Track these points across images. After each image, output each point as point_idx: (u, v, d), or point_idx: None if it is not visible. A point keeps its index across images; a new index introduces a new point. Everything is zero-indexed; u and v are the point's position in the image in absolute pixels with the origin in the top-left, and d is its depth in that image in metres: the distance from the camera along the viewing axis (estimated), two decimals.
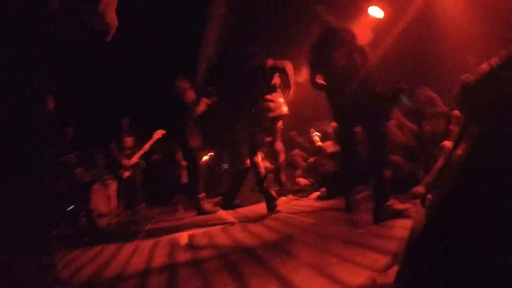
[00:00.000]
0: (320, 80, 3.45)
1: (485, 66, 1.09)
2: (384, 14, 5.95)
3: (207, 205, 4.91)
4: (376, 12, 5.97)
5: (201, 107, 4.97)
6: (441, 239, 0.97)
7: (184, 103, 4.88)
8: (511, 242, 0.79)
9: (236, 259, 2.10)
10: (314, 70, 3.45)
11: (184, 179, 7.86)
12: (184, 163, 7.00)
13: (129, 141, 6.24)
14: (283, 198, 5.55)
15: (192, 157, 4.95)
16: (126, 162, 6.16)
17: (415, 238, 1.07)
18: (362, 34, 5.86)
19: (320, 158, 5.43)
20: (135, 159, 6.20)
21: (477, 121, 1.07)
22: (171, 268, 2.15)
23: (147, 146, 6.30)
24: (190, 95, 4.96)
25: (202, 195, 4.88)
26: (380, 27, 6.12)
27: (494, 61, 1.09)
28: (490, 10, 4.35)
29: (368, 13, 6.11)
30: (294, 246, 2.18)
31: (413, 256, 1.05)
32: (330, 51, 3.29)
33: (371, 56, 3.26)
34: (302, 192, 5.70)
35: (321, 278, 1.48)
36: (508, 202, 0.83)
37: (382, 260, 1.56)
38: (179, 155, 7.07)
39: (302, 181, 5.86)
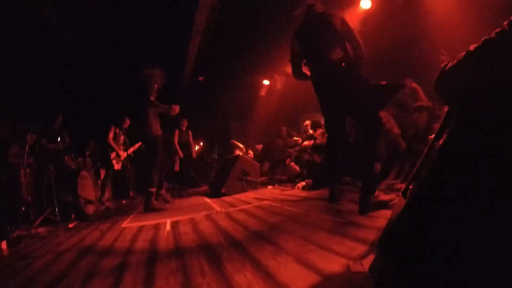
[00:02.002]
0: (305, 69, 3.40)
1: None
2: (372, 5, 5.96)
3: (156, 202, 4.59)
4: (365, 3, 5.99)
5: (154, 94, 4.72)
6: (414, 229, 0.97)
7: (143, 91, 4.65)
8: (486, 232, 0.80)
9: (215, 244, 2.12)
10: (298, 57, 3.38)
11: (177, 167, 7.96)
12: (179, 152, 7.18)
13: (122, 137, 6.53)
14: (269, 187, 5.61)
15: (151, 146, 4.67)
16: (122, 153, 6.38)
17: (390, 228, 1.09)
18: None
19: (307, 147, 5.46)
20: (129, 152, 6.35)
21: (455, 108, 1.07)
22: (151, 252, 2.19)
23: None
24: (152, 84, 4.67)
25: (154, 189, 4.55)
26: (368, 18, 6.14)
27: (472, 46, 1.09)
28: None
29: (358, 5, 6.12)
30: (275, 233, 2.20)
31: (387, 245, 1.06)
32: (315, 37, 3.21)
33: (361, 42, 3.14)
34: (289, 182, 5.77)
35: (297, 264, 1.51)
36: (483, 190, 0.84)
37: (360, 249, 1.59)
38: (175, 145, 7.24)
39: (294, 167, 5.95)
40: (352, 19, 6.48)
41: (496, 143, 0.83)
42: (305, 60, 3.39)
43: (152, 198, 4.46)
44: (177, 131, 7.64)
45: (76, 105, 7.10)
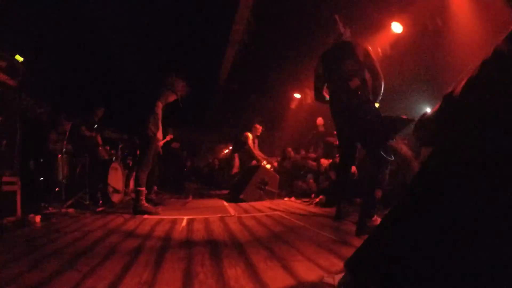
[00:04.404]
0: (325, 93, 3.62)
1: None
2: (403, 29, 6.08)
3: (146, 204, 4.26)
4: (396, 27, 6.12)
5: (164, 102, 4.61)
6: (381, 251, 1.16)
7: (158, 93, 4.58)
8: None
9: (219, 243, 2.41)
10: (321, 80, 3.61)
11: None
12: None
13: None
14: (286, 199, 5.83)
15: (144, 144, 4.46)
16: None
17: (358, 250, 1.23)
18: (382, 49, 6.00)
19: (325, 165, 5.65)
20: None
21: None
22: (165, 241, 2.51)
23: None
24: (169, 92, 4.59)
25: (143, 189, 4.28)
26: (399, 42, 6.27)
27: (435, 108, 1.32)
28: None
29: (390, 28, 6.26)
30: (274, 241, 2.45)
31: (353, 265, 1.24)
32: (338, 64, 3.44)
33: (380, 73, 3.36)
34: (307, 196, 5.95)
35: (281, 269, 1.75)
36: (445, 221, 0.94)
37: (340, 266, 1.78)
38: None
39: (312, 183, 6.14)
40: (383, 42, 6.65)
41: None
42: (326, 84, 3.62)
43: (141, 199, 4.18)
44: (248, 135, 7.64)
45: (114, 102, 7.61)
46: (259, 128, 7.71)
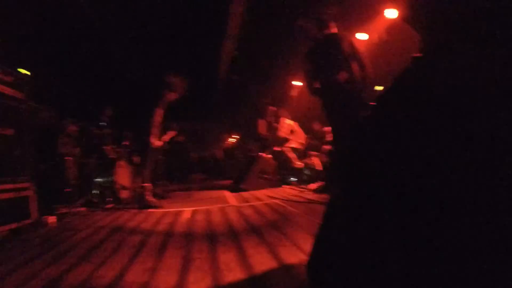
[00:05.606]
0: (317, 85, 3.78)
1: None
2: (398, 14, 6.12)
3: (151, 198, 4.53)
4: (390, 13, 6.15)
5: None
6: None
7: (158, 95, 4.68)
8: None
9: (217, 232, 2.68)
10: (311, 76, 3.76)
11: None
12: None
13: None
14: (285, 187, 6.06)
15: (145, 150, 4.65)
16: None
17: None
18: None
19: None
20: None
21: None
22: (168, 232, 2.79)
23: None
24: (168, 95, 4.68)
25: (149, 185, 4.54)
26: (394, 27, 6.32)
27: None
28: None
29: (383, 15, 6.31)
30: (267, 229, 2.69)
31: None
32: (325, 58, 3.59)
33: (367, 64, 3.52)
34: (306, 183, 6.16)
35: (268, 253, 1.97)
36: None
37: None
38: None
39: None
40: (377, 28, 6.72)
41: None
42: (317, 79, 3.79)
43: (147, 194, 4.46)
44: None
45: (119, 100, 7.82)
46: (273, 110, 7.70)
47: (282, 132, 7.15)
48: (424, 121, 0.90)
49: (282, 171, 6.63)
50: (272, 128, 7.52)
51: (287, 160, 6.73)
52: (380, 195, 0.92)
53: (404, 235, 0.84)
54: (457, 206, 0.78)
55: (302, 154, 6.88)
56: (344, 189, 1.15)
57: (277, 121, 7.44)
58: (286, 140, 7.02)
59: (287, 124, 7.18)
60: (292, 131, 7.15)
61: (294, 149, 6.87)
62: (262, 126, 7.69)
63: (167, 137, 5.47)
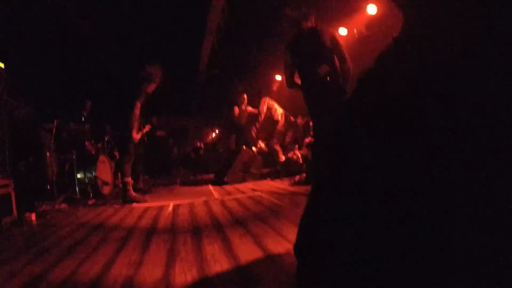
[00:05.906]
0: (297, 79, 3.83)
1: None
2: (378, 11, 6.25)
3: (134, 193, 4.49)
4: (371, 9, 6.28)
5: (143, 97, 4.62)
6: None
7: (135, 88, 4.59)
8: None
9: (202, 224, 2.69)
10: (290, 69, 3.80)
11: None
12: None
13: None
14: (268, 179, 6.12)
15: (123, 143, 4.60)
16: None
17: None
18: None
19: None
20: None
21: None
22: (153, 226, 2.78)
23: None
24: (146, 86, 4.57)
25: (129, 179, 4.46)
26: (374, 23, 6.45)
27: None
28: None
29: (365, 11, 6.43)
30: (251, 220, 2.72)
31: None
32: (306, 52, 3.63)
33: (348, 57, 3.58)
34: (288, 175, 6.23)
35: (253, 244, 2.00)
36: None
37: None
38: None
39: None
40: (358, 24, 6.84)
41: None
42: (296, 72, 3.83)
43: (129, 189, 4.38)
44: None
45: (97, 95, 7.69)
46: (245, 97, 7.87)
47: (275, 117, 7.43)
48: (406, 103, 0.88)
49: (267, 164, 6.70)
50: (245, 114, 7.72)
51: (273, 153, 6.80)
52: (362, 179, 0.92)
53: (384, 214, 0.84)
54: (434, 186, 0.78)
55: (281, 135, 7.01)
56: (328, 173, 1.11)
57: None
58: (277, 122, 7.14)
59: (268, 104, 7.33)
60: (268, 108, 7.39)
61: (274, 124, 6.96)
62: (236, 113, 7.73)
63: (144, 130, 5.46)
